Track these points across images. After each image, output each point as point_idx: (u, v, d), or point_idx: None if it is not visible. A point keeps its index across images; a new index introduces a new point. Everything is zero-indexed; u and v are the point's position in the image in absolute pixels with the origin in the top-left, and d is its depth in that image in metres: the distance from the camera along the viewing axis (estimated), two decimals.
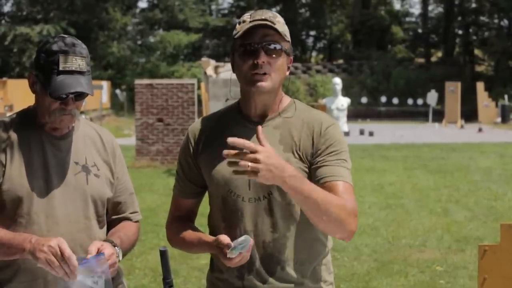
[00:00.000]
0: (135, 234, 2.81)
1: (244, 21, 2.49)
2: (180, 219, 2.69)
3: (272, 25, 2.46)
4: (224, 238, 2.38)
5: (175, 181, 2.73)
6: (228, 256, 2.34)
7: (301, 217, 2.49)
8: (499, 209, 10.39)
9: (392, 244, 8.26)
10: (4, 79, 28.80)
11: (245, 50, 2.46)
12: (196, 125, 2.67)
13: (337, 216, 2.33)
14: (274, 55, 2.47)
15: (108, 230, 2.79)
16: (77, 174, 2.67)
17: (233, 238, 2.39)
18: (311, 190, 2.29)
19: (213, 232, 2.60)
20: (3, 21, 41.34)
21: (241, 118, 2.56)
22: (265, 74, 2.46)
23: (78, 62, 2.56)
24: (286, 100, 2.62)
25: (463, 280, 6.77)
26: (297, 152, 2.49)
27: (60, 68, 2.54)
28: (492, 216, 9.75)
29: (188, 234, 2.59)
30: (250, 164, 2.15)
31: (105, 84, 34.13)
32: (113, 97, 36.58)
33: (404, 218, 9.71)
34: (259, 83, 2.46)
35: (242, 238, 2.33)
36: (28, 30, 37.32)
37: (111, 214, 2.81)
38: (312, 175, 2.45)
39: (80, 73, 2.56)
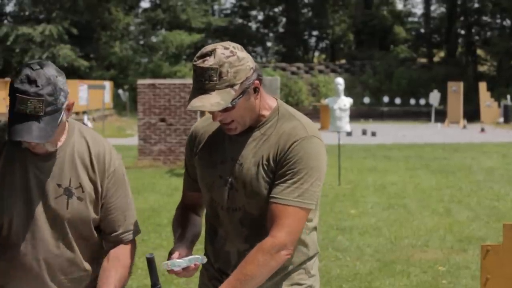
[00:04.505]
0: (127, 265, 2.66)
1: (193, 71, 2.47)
2: (185, 207, 2.79)
3: (210, 93, 2.40)
4: (174, 251, 2.54)
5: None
6: (162, 265, 2.50)
7: None
8: (501, 209, 10.38)
9: (394, 244, 8.25)
10: (6, 79, 28.81)
11: None
12: (198, 124, 2.74)
13: (265, 273, 2.46)
14: (228, 110, 2.46)
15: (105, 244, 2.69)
16: (58, 197, 2.54)
17: (214, 242, 2.64)
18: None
19: (206, 230, 2.72)
20: (5, 21, 41.34)
21: None
22: (230, 122, 2.50)
23: (34, 105, 2.34)
24: (271, 105, 2.60)
25: (466, 280, 6.76)
26: (265, 167, 2.51)
27: (15, 110, 2.35)
28: (494, 216, 9.74)
29: (178, 224, 2.72)
30: None
31: (108, 84, 34.17)
32: (115, 97, 36.60)
33: (407, 218, 9.70)
34: (229, 132, 2.54)
35: (192, 257, 2.52)
36: (30, 30, 37.31)
37: (103, 233, 2.67)
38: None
39: (35, 117, 2.35)
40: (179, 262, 2.48)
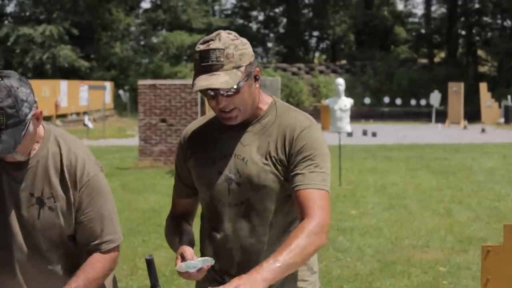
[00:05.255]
0: (102, 268, 2.58)
1: (195, 59, 2.45)
2: (176, 217, 2.75)
3: (218, 72, 2.40)
4: (185, 252, 2.46)
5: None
6: (176, 268, 2.42)
7: (279, 224, 2.55)
8: (502, 209, 10.38)
9: (395, 244, 8.25)
10: None
11: (205, 94, 2.46)
12: (188, 128, 2.72)
13: (314, 250, 2.38)
14: (232, 95, 2.45)
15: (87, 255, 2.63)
16: (30, 207, 2.53)
17: (214, 241, 2.57)
18: (289, 261, 2.30)
19: (202, 232, 2.69)
20: (6, 22, 41.36)
21: (225, 125, 2.57)
22: (231, 110, 2.48)
23: None
24: (267, 101, 2.62)
25: (466, 281, 6.76)
26: (273, 159, 2.51)
27: None
28: (495, 217, 9.74)
29: (173, 233, 2.66)
30: None
31: (108, 85, 34.19)
32: (116, 97, 36.63)
33: (407, 219, 9.70)
34: (229, 122, 2.51)
35: (203, 258, 2.44)
36: (31, 31, 37.32)
37: (79, 244, 2.61)
38: (289, 183, 2.49)
39: None
40: (194, 263, 2.42)
